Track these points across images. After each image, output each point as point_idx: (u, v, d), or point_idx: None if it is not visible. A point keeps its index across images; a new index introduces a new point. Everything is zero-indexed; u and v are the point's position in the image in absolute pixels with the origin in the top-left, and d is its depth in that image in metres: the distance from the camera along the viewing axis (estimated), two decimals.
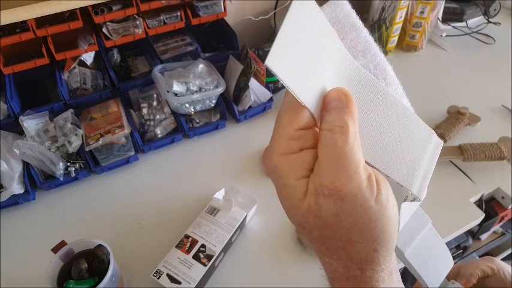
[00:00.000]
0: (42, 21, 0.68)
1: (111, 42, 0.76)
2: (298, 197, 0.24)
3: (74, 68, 0.79)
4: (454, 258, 0.79)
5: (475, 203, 0.72)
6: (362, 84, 0.26)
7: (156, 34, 0.80)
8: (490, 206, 0.75)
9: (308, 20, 0.23)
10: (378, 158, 0.26)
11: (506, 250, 1.01)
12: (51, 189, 0.73)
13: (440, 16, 1.05)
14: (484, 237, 0.90)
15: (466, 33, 1.08)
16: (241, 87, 0.83)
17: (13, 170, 0.68)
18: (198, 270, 0.57)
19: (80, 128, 0.73)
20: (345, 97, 0.24)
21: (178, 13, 0.79)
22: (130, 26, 0.76)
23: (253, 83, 0.82)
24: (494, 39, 1.07)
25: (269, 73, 0.88)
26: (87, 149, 0.71)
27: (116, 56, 0.86)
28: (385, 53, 1.03)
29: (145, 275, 0.58)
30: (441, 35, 1.07)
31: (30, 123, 0.70)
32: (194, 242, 0.61)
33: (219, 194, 0.67)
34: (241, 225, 0.65)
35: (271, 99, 0.86)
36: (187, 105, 0.79)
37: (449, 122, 0.81)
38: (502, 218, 0.77)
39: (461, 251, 0.76)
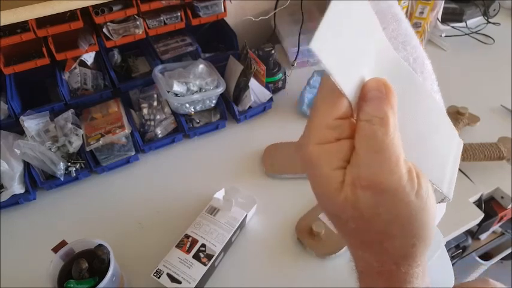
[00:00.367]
0: (43, 22, 0.68)
1: (111, 43, 0.77)
2: (334, 187, 0.23)
3: (75, 68, 0.79)
4: (453, 258, 0.79)
5: (474, 202, 0.72)
6: (401, 77, 0.25)
7: (156, 34, 0.80)
8: (489, 205, 0.75)
9: (353, 5, 0.22)
10: (412, 153, 0.25)
11: (506, 250, 1.01)
12: (52, 189, 0.73)
13: (439, 16, 1.05)
14: (483, 237, 0.90)
15: (466, 34, 1.08)
16: (241, 87, 0.83)
17: (14, 170, 0.68)
18: (198, 270, 0.57)
19: (81, 128, 0.73)
20: (385, 87, 0.23)
21: (179, 13, 0.79)
22: (131, 27, 0.76)
23: (253, 83, 0.82)
24: (493, 40, 1.07)
25: (269, 73, 0.88)
26: (87, 149, 0.71)
27: (117, 56, 0.86)
28: None
29: (146, 274, 0.58)
30: (441, 35, 1.07)
31: (31, 123, 0.70)
32: (194, 241, 0.61)
33: (219, 194, 0.67)
34: (241, 225, 0.65)
35: (271, 100, 0.86)
36: (187, 105, 0.79)
37: None
38: (501, 218, 0.77)
39: (460, 250, 0.77)
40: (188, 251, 0.60)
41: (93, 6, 0.71)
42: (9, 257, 0.64)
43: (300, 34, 0.95)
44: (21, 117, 0.70)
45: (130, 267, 0.60)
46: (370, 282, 0.26)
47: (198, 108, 0.81)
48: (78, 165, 0.73)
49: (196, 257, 0.59)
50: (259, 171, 0.75)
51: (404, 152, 0.25)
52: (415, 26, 1.00)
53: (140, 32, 0.77)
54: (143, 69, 0.87)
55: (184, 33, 0.88)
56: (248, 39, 0.90)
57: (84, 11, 0.71)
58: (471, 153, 0.73)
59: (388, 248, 0.24)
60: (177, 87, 0.76)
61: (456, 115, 0.82)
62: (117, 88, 0.81)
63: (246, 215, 0.65)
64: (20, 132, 0.73)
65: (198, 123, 0.83)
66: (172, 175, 0.76)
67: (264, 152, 0.77)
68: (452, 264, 0.82)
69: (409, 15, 0.99)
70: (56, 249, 0.53)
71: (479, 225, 0.73)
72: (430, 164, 0.26)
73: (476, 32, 1.09)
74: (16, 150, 0.67)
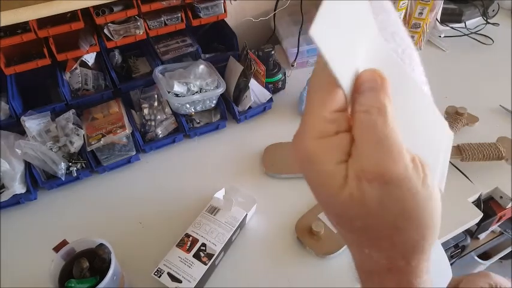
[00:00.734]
0: (44, 22, 0.68)
1: (112, 43, 0.77)
2: (337, 184, 0.22)
3: (76, 68, 0.79)
4: (452, 257, 0.79)
5: (473, 202, 0.72)
6: (391, 69, 0.25)
7: (157, 35, 0.81)
8: (488, 205, 0.75)
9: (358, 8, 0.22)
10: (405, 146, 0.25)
11: (505, 249, 1.01)
12: (53, 188, 0.73)
13: (438, 17, 1.05)
14: (482, 236, 0.90)
15: (465, 34, 1.09)
16: (241, 87, 0.83)
17: (15, 169, 0.69)
18: (199, 269, 0.58)
19: (82, 128, 0.73)
20: (380, 78, 0.23)
21: (179, 14, 0.79)
22: (132, 27, 0.77)
23: (253, 83, 0.82)
24: (492, 40, 1.07)
25: (269, 74, 0.89)
26: (88, 149, 0.72)
27: (117, 57, 0.86)
28: None
29: (146, 273, 0.58)
30: (440, 36, 1.08)
31: (32, 124, 0.70)
32: (195, 241, 0.61)
33: (220, 194, 0.67)
34: (241, 225, 0.65)
35: (271, 100, 0.87)
36: (187, 105, 0.79)
37: (448, 122, 0.82)
38: (500, 218, 0.78)
39: (459, 250, 0.77)
40: (188, 250, 0.60)
41: (94, 7, 0.71)
42: (10, 256, 0.64)
43: (299, 35, 0.96)
44: (23, 118, 0.70)
45: (131, 266, 0.61)
46: (380, 281, 0.25)
47: (198, 108, 0.81)
48: (79, 165, 0.74)
49: (196, 256, 0.59)
50: (259, 171, 0.75)
51: None
52: (414, 26, 1.01)
53: (141, 33, 0.78)
54: (144, 69, 0.88)
55: (185, 33, 0.88)
56: (248, 40, 0.90)
57: (85, 11, 0.71)
58: (470, 153, 0.74)
59: (397, 242, 0.23)
60: (178, 87, 0.77)
61: (455, 115, 0.83)
62: (118, 88, 0.82)
63: (246, 215, 0.65)
64: (21, 132, 0.73)
65: (199, 123, 0.83)
66: (173, 175, 0.76)
67: (264, 152, 0.78)
68: (451, 264, 0.83)
69: (409, 15, 1.00)
70: (57, 249, 0.54)
71: (478, 224, 0.73)
72: (422, 155, 0.25)
73: (475, 33, 1.09)
74: (17, 150, 0.67)
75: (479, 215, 0.69)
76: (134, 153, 0.77)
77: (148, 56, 0.89)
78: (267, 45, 0.89)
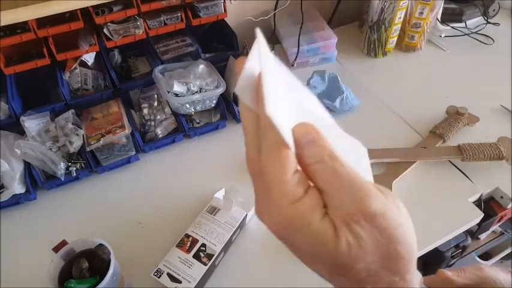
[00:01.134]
0: (43, 22, 0.68)
1: (112, 43, 0.77)
2: (331, 237, 0.22)
3: (75, 68, 0.79)
4: (453, 258, 0.79)
5: (474, 202, 0.72)
6: (310, 118, 0.26)
7: (156, 35, 0.80)
8: (488, 205, 0.75)
9: (270, 61, 0.24)
10: None
11: (505, 250, 1.01)
12: (52, 189, 0.73)
13: (439, 17, 1.05)
14: (483, 236, 0.90)
15: (465, 34, 1.08)
16: None
17: (14, 169, 0.68)
18: (199, 270, 0.58)
19: (81, 128, 0.73)
20: (312, 129, 0.24)
21: (179, 14, 0.79)
22: (131, 27, 0.77)
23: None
24: (493, 40, 1.07)
25: None
26: (88, 149, 0.72)
27: (117, 57, 0.86)
28: (384, 53, 1.03)
29: (146, 274, 0.58)
30: (440, 36, 1.08)
31: (32, 124, 0.70)
32: (194, 241, 0.61)
33: (220, 194, 0.67)
34: (242, 225, 0.65)
35: None
36: (187, 105, 0.79)
37: (448, 122, 0.82)
38: (501, 218, 0.77)
39: (460, 250, 0.77)
40: (188, 251, 0.60)
41: (94, 7, 0.71)
42: (9, 256, 0.64)
43: (299, 34, 0.96)
44: (22, 118, 0.70)
45: (131, 266, 0.60)
46: None
47: (198, 108, 0.81)
48: (78, 165, 0.73)
49: (196, 256, 0.59)
50: None
51: None
52: (415, 26, 1.01)
53: (140, 33, 0.77)
54: (143, 69, 0.87)
55: (185, 33, 0.88)
56: (248, 40, 0.90)
57: (85, 11, 0.71)
58: (471, 153, 0.73)
59: (394, 268, 0.24)
60: (178, 87, 0.77)
61: (456, 115, 0.83)
62: (118, 88, 0.82)
63: (246, 215, 0.65)
64: (21, 132, 0.73)
65: (199, 123, 0.83)
66: (173, 175, 0.76)
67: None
68: (452, 264, 0.83)
69: (409, 15, 0.99)
70: (56, 249, 0.53)
71: (478, 225, 0.73)
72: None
73: (475, 33, 1.09)
74: (17, 150, 0.67)
75: (480, 215, 0.69)
76: (134, 153, 0.77)
77: (148, 55, 0.89)
78: (267, 44, 0.89)
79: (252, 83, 0.23)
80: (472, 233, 0.80)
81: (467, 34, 1.08)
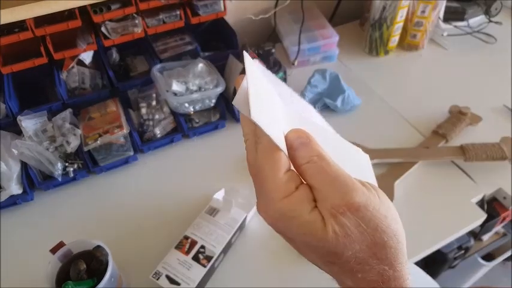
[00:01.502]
0: (41, 21, 0.67)
1: (110, 42, 0.76)
2: (319, 226, 0.25)
3: (73, 67, 0.78)
4: (455, 259, 0.78)
5: (476, 203, 0.71)
6: (303, 123, 0.30)
7: (155, 33, 0.80)
8: (491, 206, 0.74)
9: (259, 77, 0.28)
10: None
11: (508, 251, 1.00)
12: (50, 189, 0.73)
13: (441, 15, 1.04)
14: (485, 237, 0.89)
15: (468, 33, 1.08)
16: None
17: (11, 170, 0.68)
18: (198, 272, 0.57)
19: (79, 128, 0.72)
20: (303, 133, 0.27)
21: (178, 12, 0.78)
22: (130, 25, 0.76)
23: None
24: (495, 39, 1.06)
25: None
26: (85, 149, 0.71)
27: (115, 56, 0.85)
28: (386, 52, 1.02)
29: (145, 276, 0.58)
30: (442, 35, 1.07)
31: (29, 123, 0.70)
32: (193, 243, 0.60)
33: (219, 195, 0.67)
34: (241, 226, 0.64)
35: None
36: (186, 104, 0.78)
37: (451, 121, 0.81)
38: (504, 219, 0.77)
39: (463, 251, 0.76)
40: (187, 253, 0.59)
41: (92, 5, 0.70)
42: (7, 257, 0.64)
43: (300, 33, 0.95)
44: (19, 117, 0.69)
45: (129, 268, 0.60)
46: None
47: (197, 107, 0.80)
48: (76, 166, 0.73)
49: (195, 258, 0.59)
50: None
51: None
52: (417, 25, 1.00)
53: (139, 31, 0.77)
54: (142, 68, 0.87)
55: (184, 32, 0.87)
56: (248, 38, 0.89)
57: (83, 9, 0.70)
58: (473, 154, 0.73)
59: (381, 256, 0.26)
60: (176, 86, 0.76)
61: (458, 115, 0.82)
62: (116, 87, 0.81)
63: (246, 216, 0.64)
64: (18, 132, 0.72)
65: (198, 123, 0.82)
66: (171, 175, 0.75)
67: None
68: (455, 266, 0.82)
69: (411, 14, 0.99)
70: (54, 250, 0.53)
71: (481, 226, 0.72)
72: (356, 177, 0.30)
73: (478, 31, 1.08)
74: (14, 150, 0.66)
75: (483, 216, 0.68)
76: (132, 153, 0.76)
77: (146, 54, 0.88)
78: (267, 43, 0.88)
79: (247, 97, 0.26)
80: (475, 234, 0.79)
81: (470, 33, 1.08)
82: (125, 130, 0.72)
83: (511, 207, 0.73)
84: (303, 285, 0.59)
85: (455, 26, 1.07)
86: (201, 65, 0.80)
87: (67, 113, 0.73)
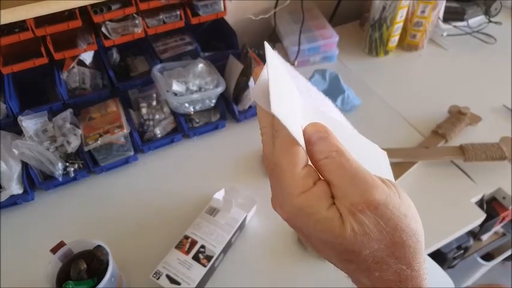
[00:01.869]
0: (41, 21, 0.67)
1: (110, 42, 0.76)
2: (337, 224, 0.24)
3: (73, 67, 0.78)
4: (455, 259, 0.78)
5: (476, 203, 0.71)
6: (321, 118, 0.29)
7: (155, 33, 0.80)
8: (491, 206, 0.74)
9: (279, 68, 0.27)
10: None
11: (507, 250, 1.00)
12: (50, 189, 0.73)
13: (441, 15, 1.04)
14: (485, 237, 0.90)
15: (467, 33, 1.08)
16: (241, 86, 0.82)
17: (12, 170, 0.68)
18: (198, 271, 0.57)
19: (79, 128, 0.72)
20: (322, 128, 0.26)
21: (178, 12, 0.79)
22: (130, 26, 0.76)
23: (253, 82, 0.81)
24: (495, 39, 1.06)
25: None
26: (86, 149, 0.71)
27: (115, 56, 0.85)
28: (386, 52, 1.03)
29: (145, 275, 0.58)
30: (442, 35, 1.07)
31: (29, 123, 0.70)
32: (194, 242, 0.60)
33: (219, 194, 0.67)
34: (241, 226, 0.64)
35: None
36: (186, 105, 0.79)
37: (451, 121, 0.81)
38: (503, 219, 0.77)
39: (462, 251, 0.76)
40: (187, 252, 0.59)
41: (92, 5, 0.70)
42: (7, 257, 0.64)
43: (300, 33, 0.95)
44: (20, 117, 0.70)
45: (129, 268, 0.60)
46: None
47: (197, 107, 0.80)
48: (76, 166, 0.73)
49: (195, 258, 0.59)
50: (259, 171, 0.75)
51: None
52: (417, 25, 1.00)
53: (139, 31, 0.77)
54: (142, 68, 0.87)
55: (184, 32, 0.88)
56: (248, 38, 0.89)
57: (83, 10, 0.70)
58: (473, 154, 0.73)
59: (400, 255, 0.25)
60: (177, 86, 0.76)
61: (458, 115, 0.82)
62: (116, 88, 0.81)
63: (246, 216, 0.65)
64: (18, 132, 0.72)
65: (198, 123, 0.82)
66: (172, 175, 0.76)
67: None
68: (454, 266, 0.82)
69: (411, 14, 0.99)
70: (54, 250, 0.53)
71: (481, 225, 0.72)
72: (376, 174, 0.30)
73: (477, 31, 1.08)
74: (14, 150, 0.67)
75: (482, 215, 0.69)
76: (132, 153, 0.76)
77: (146, 54, 0.88)
78: (267, 43, 0.88)
79: (266, 89, 0.26)
80: (474, 234, 0.79)
81: (469, 33, 1.08)
82: (125, 130, 0.72)
83: (510, 207, 0.73)
84: (303, 285, 0.59)
85: (455, 26, 1.07)
86: (201, 65, 0.80)
87: (67, 113, 0.73)
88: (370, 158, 0.31)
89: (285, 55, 1.01)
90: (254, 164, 0.76)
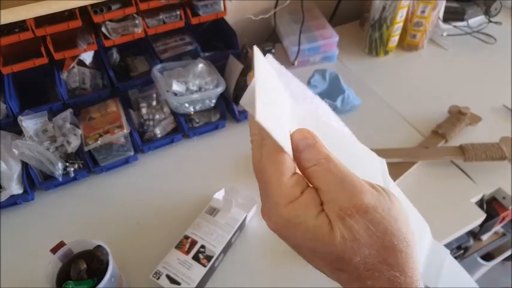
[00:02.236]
0: (41, 21, 0.67)
1: (110, 42, 0.76)
2: (326, 231, 0.24)
3: (73, 67, 0.78)
4: (455, 259, 0.78)
5: (476, 203, 0.71)
6: (314, 123, 0.29)
7: (155, 33, 0.80)
8: (491, 206, 0.74)
9: (268, 75, 0.27)
10: None
11: (507, 250, 1.00)
12: (50, 189, 0.73)
13: (441, 15, 1.04)
14: (485, 237, 0.90)
15: (467, 33, 1.08)
16: (241, 86, 0.82)
17: (12, 170, 0.68)
18: (198, 271, 0.57)
19: (79, 128, 0.72)
20: (309, 134, 0.26)
21: (178, 12, 0.79)
22: (130, 26, 0.76)
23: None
24: (495, 39, 1.06)
25: None
26: (86, 149, 0.71)
27: (115, 56, 0.85)
28: (386, 52, 1.03)
29: (145, 275, 0.58)
30: (442, 35, 1.07)
31: (29, 123, 0.70)
32: (194, 242, 0.60)
33: (219, 194, 0.67)
34: (241, 226, 0.64)
35: None
36: (186, 105, 0.79)
37: (451, 121, 0.81)
38: (503, 219, 0.77)
39: (462, 251, 0.76)
40: (187, 252, 0.59)
41: (92, 5, 0.70)
42: (7, 257, 0.64)
43: (300, 33, 0.95)
44: (20, 117, 0.70)
45: (129, 268, 0.60)
46: None
47: (197, 107, 0.80)
48: (76, 166, 0.73)
49: (195, 258, 0.59)
50: None
51: None
52: (417, 25, 1.00)
53: (139, 31, 0.77)
54: (142, 68, 0.87)
55: (184, 32, 0.88)
56: (248, 38, 0.89)
57: (83, 10, 0.70)
58: (473, 154, 0.73)
59: (392, 262, 0.24)
60: (177, 86, 0.76)
61: (458, 115, 0.82)
62: (116, 88, 0.81)
63: (246, 216, 0.65)
64: (18, 132, 0.72)
65: (198, 123, 0.82)
66: (172, 175, 0.76)
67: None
68: None
69: (411, 14, 0.99)
70: (54, 250, 0.53)
71: (481, 225, 0.72)
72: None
73: (477, 31, 1.08)
74: (14, 150, 0.67)
75: (482, 215, 0.68)
76: (132, 153, 0.76)
77: (146, 54, 0.88)
78: (267, 43, 0.88)
79: (254, 96, 0.25)
80: (474, 234, 0.79)
81: (470, 33, 1.08)
82: (125, 130, 0.72)
83: (510, 207, 0.73)
84: (303, 285, 0.59)
85: (455, 26, 1.07)
86: (201, 65, 0.80)
87: (67, 113, 0.73)
88: (362, 164, 0.31)
89: (285, 55, 1.01)
90: None
